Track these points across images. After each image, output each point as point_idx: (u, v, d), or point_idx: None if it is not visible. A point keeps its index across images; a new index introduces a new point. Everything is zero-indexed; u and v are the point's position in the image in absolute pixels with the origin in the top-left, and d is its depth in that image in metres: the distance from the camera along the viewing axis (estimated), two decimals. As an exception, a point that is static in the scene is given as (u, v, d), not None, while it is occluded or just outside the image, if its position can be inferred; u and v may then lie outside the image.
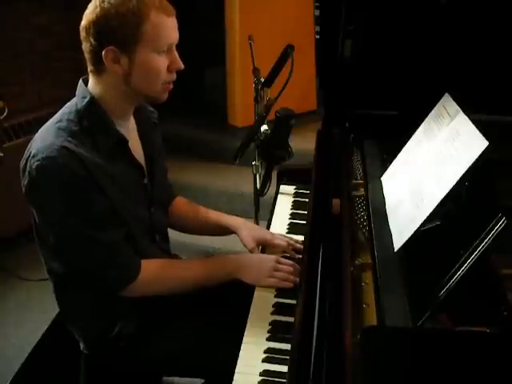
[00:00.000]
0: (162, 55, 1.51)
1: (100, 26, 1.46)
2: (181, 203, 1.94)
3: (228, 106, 3.99)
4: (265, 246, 1.87)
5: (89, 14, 1.48)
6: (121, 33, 1.46)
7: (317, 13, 3.87)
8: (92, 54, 1.51)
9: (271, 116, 1.93)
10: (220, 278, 1.68)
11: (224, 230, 1.91)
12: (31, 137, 1.55)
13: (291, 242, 1.83)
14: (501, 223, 1.11)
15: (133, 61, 1.49)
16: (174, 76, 1.57)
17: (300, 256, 1.74)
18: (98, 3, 1.47)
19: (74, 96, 1.59)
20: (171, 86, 1.58)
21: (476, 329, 1.16)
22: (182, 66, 1.56)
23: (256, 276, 1.66)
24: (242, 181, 3.47)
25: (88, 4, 1.50)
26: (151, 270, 1.62)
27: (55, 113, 1.58)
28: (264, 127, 1.95)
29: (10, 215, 3.32)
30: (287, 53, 2.04)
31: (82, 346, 1.70)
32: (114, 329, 1.64)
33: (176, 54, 1.55)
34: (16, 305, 3.08)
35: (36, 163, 1.47)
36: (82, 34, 1.50)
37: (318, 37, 3.87)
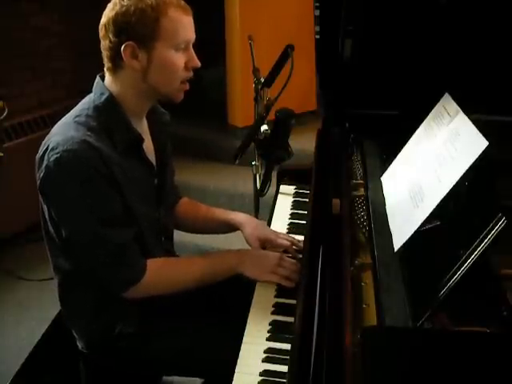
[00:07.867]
0: (179, 52, 1.53)
1: (119, 22, 1.48)
2: (186, 203, 1.93)
3: (228, 105, 3.98)
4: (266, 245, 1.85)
5: (108, 12, 1.50)
6: (139, 28, 1.48)
7: (317, 13, 3.87)
8: (111, 51, 1.52)
9: (271, 116, 1.93)
10: (223, 272, 1.66)
11: (229, 227, 1.90)
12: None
13: (295, 241, 1.81)
14: (501, 223, 1.11)
15: (151, 56, 1.51)
16: (191, 73, 1.59)
17: (301, 256, 1.72)
18: (117, 1, 1.49)
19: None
20: (187, 87, 1.59)
21: (476, 329, 1.16)
22: (198, 63, 1.58)
23: (258, 271, 1.64)
24: (242, 181, 3.47)
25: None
26: (155, 270, 1.61)
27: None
28: (264, 127, 1.95)
29: (9, 215, 3.33)
30: (287, 53, 2.04)
31: (80, 345, 1.70)
32: (115, 328, 1.64)
33: (193, 52, 1.57)
34: (15, 305, 3.08)
35: (55, 156, 1.45)
36: (101, 32, 1.52)
37: (318, 37, 3.88)
